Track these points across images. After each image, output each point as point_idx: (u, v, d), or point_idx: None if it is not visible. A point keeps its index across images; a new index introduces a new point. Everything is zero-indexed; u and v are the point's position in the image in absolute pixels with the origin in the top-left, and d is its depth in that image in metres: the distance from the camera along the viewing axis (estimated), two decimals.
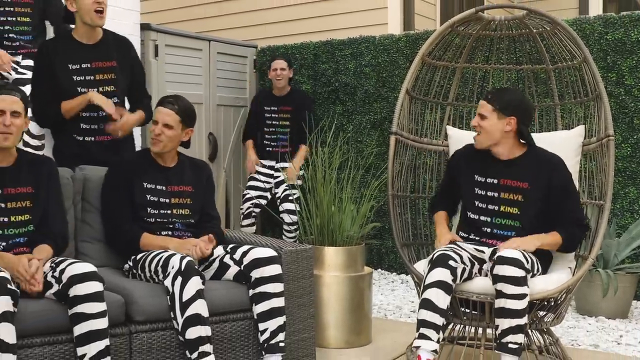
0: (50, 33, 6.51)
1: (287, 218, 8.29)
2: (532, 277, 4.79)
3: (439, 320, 4.66)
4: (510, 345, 4.57)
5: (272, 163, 8.48)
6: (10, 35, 6.11)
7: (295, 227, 8.26)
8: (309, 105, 8.69)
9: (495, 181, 5.05)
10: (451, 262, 4.70)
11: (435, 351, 4.64)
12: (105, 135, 5.51)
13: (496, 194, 5.04)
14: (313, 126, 8.27)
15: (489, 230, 5.05)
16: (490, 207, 5.05)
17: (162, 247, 4.72)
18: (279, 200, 8.42)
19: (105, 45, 5.60)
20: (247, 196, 8.51)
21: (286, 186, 8.31)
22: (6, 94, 4.30)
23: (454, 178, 5.29)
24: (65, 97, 5.40)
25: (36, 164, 4.58)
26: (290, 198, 8.25)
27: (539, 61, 6.15)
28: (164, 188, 4.97)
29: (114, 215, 4.95)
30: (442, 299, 4.67)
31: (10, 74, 5.93)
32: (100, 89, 5.46)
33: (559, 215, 4.95)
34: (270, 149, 8.46)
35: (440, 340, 4.72)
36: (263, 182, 8.50)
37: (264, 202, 8.53)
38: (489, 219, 5.05)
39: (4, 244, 4.28)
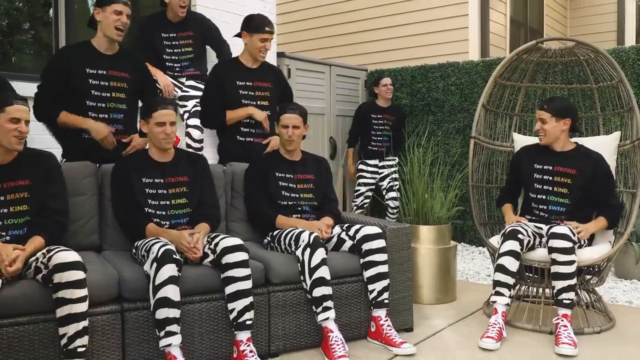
0: (211, 56, 6.60)
1: (391, 204, 8.34)
2: (579, 248, 4.87)
3: (510, 280, 4.79)
4: (564, 301, 4.65)
5: (376, 162, 8.49)
6: (176, 62, 6.18)
7: (397, 210, 8.33)
8: (404, 115, 8.75)
9: (551, 168, 5.14)
10: (519, 235, 4.82)
11: (507, 304, 4.78)
12: (261, 137, 5.65)
13: (551, 178, 5.13)
14: (404, 134, 8.43)
15: (545, 207, 5.13)
16: (545, 187, 5.14)
17: (293, 227, 4.74)
18: (384, 191, 8.43)
19: (264, 70, 5.73)
20: (360, 191, 8.56)
21: (390, 179, 8.39)
22: (166, 108, 4.39)
23: (517, 169, 5.36)
24: (231, 106, 5.56)
25: (191, 160, 4.65)
26: (394, 189, 8.38)
27: (585, 81, 6.06)
28: (292, 176, 5.01)
29: (254, 201, 5.02)
30: (512, 264, 4.80)
31: (177, 92, 6.05)
32: (258, 102, 5.61)
33: (603, 198, 5.03)
34: (376, 149, 8.43)
35: (511, 296, 4.82)
36: (369, 178, 8.51)
37: (370, 193, 8.61)
38: (544, 197, 5.13)
39: (169, 222, 4.37)
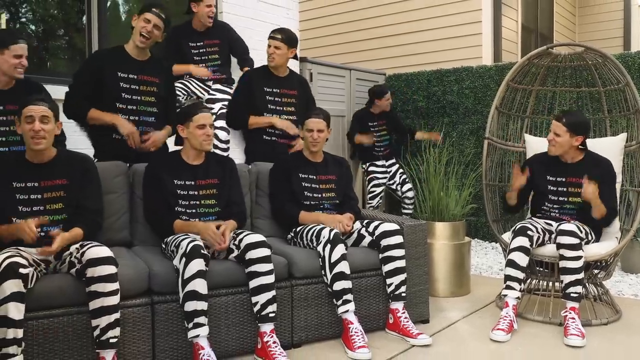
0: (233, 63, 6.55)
1: (409, 194, 8.28)
2: (587, 244, 4.87)
3: (520, 275, 4.78)
4: (572, 294, 4.64)
5: (383, 162, 8.43)
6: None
7: (413, 200, 8.30)
8: (395, 115, 8.67)
9: (564, 179, 5.08)
10: (529, 232, 4.82)
11: (518, 297, 4.78)
12: (285, 139, 5.70)
13: (565, 189, 5.07)
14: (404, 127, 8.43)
15: (557, 215, 5.09)
16: (561, 198, 5.08)
17: (315, 221, 4.75)
18: (399, 186, 8.36)
19: (291, 80, 5.84)
20: (374, 193, 8.46)
21: (399, 174, 8.38)
22: (205, 111, 4.43)
23: (529, 178, 5.28)
24: (258, 110, 5.66)
25: (220, 162, 4.65)
26: (407, 181, 8.35)
27: (593, 85, 6.02)
28: (314, 177, 5.00)
29: (278, 199, 5.01)
30: (522, 259, 4.79)
31: (204, 95, 6.08)
32: (284, 109, 5.71)
33: (605, 200, 4.90)
34: (380, 153, 8.39)
35: (522, 290, 4.82)
36: (381, 178, 8.44)
37: (383, 193, 8.56)
38: (559, 207, 5.09)
39: (197, 220, 4.34)
